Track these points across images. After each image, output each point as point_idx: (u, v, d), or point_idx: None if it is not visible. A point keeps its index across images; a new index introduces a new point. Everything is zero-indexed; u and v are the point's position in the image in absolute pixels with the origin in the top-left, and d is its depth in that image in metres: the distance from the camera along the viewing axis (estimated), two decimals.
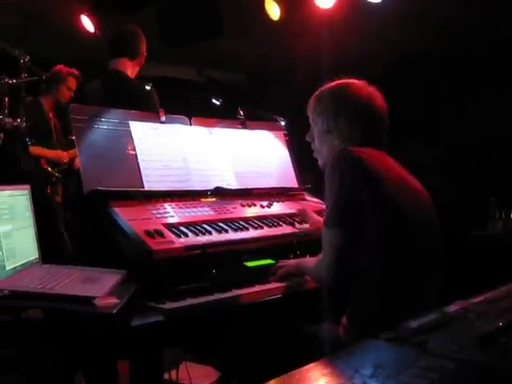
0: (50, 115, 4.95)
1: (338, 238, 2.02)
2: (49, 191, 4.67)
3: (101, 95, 3.40)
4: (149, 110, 2.77)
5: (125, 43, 3.61)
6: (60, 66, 4.97)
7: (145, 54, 3.69)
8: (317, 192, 2.96)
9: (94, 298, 1.69)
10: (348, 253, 2.02)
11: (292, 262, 2.35)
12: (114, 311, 1.65)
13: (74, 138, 2.36)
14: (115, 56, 3.59)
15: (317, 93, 2.31)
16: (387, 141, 2.25)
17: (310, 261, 2.25)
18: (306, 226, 2.60)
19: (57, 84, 4.92)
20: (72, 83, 4.97)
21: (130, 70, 3.60)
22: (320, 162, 2.34)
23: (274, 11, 4.95)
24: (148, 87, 3.44)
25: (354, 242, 2.00)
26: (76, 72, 4.99)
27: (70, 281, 1.87)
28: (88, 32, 5.36)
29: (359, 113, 2.19)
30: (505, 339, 1.12)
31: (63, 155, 4.73)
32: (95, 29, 5.32)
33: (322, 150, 2.30)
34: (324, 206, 2.51)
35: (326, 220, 2.08)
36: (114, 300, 1.72)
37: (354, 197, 1.99)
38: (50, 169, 4.68)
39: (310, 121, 2.34)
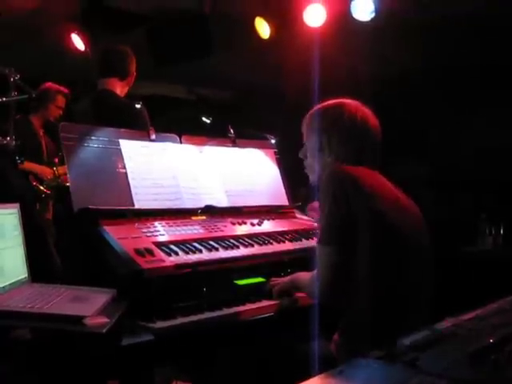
0: (41, 133, 4.93)
1: (332, 255, 2.03)
2: (38, 208, 4.65)
3: (90, 114, 3.40)
4: (139, 128, 2.77)
5: (114, 63, 3.62)
6: (49, 84, 4.95)
7: (134, 74, 3.70)
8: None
9: (83, 317, 1.68)
10: (342, 270, 2.03)
11: (286, 278, 2.34)
12: (104, 330, 1.63)
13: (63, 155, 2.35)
14: (105, 76, 3.60)
15: (311, 111, 2.33)
16: (380, 160, 2.27)
17: (304, 275, 2.25)
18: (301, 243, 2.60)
19: (46, 102, 4.91)
20: (61, 101, 4.95)
21: (120, 89, 3.61)
22: (311, 178, 2.36)
23: (263, 30, 4.99)
24: (138, 106, 3.44)
25: (347, 260, 2.01)
26: (65, 90, 4.98)
27: (60, 300, 1.85)
28: (78, 50, 5.37)
29: (353, 133, 2.21)
30: (496, 356, 1.12)
31: (47, 171, 4.70)
32: (86, 47, 5.33)
33: (314, 167, 2.31)
34: (315, 224, 2.52)
35: (321, 238, 2.09)
36: (103, 319, 1.71)
37: (347, 215, 2.00)
38: (39, 185, 4.66)
39: (304, 138, 2.36)
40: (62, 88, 4.98)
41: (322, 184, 2.11)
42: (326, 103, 2.31)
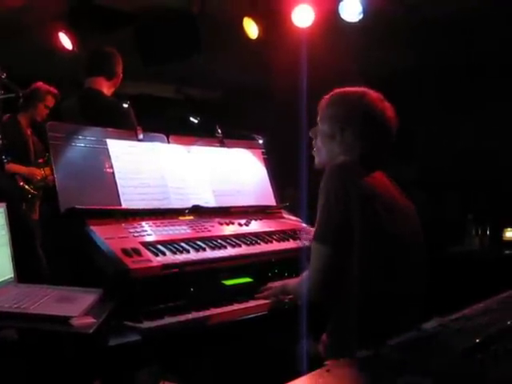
0: (28, 133, 4.91)
1: (326, 253, 2.02)
2: (24, 208, 4.62)
3: (77, 112, 3.39)
4: (126, 127, 2.76)
5: (102, 63, 3.63)
6: (39, 84, 4.93)
7: (121, 75, 3.71)
8: (296, 209, 2.97)
9: (70, 317, 1.67)
10: (335, 269, 2.02)
11: (277, 283, 2.33)
12: (91, 331, 1.63)
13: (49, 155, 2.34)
14: (92, 75, 3.61)
15: (331, 94, 2.27)
16: (387, 159, 2.24)
17: (294, 280, 2.25)
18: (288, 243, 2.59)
19: (35, 101, 4.88)
20: (50, 101, 4.93)
21: (106, 89, 3.61)
22: (316, 161, 2.31)
23: (252, 30, 4.98)
24: (125, 105, 3.44)
25: (341, 259, 2.00)
26: (54, 90, 4.95)
27: (46, 300, 1.84)
28: (66, 49, 5.35)
29: (368, 127, 2.16)
30: (482, 355, 1.13)
31: (36, 172, 4.68)
32: (73, 46, 5.30)
33: (321, 152, 2.28)
34: (303, 224, 2.51)
35: (317, 234, 2.07)
36: (90, 319, 1.70)
37: (345, 215, 1.99)
38: (25, 186, 4.63)
39: (318, 119, 2.29)
40: (51, 88, 4.95)
41: (325, 179, 2.07)
42: (347, 89, 2.25)
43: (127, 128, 2.74)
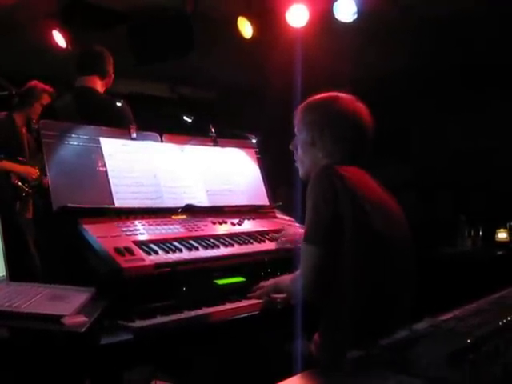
0: (23, 131, 4.88)
1: (317, 254, 2.02)
2: (19, 206, 4.61)
3: (73, 110, 3.38)
4: (123, 124, 2.76)
5: (94, 62, 3.66)
6: (35, 82, 4.91)
7: (112, 75, 3.72)
8: (289, 209, 2.97)
9: (62, 316, 1.66)
10: (325, 270, 2.02)
11: (270, 281, 2.33)
12: (83, 330, 1.62)
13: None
14: (84, 74, 3.61)
15: (305, 103, 2.29)
16: (369, 158, 2.26)
17: (287, 278, 2.24)
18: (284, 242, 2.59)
19: (31, 100, 4.86)
20: (46, 100, 4.90)
21: (100, 88, 3.62)
22: (301, 172, 2.33)
23: (246, 29, 4.98)
24: (119, 103, 3.44)
25: (331, 260, 2.00)
26: (50, 89, 4.93)
27: (38, 299, 1.84)
28: (59, 47, 5.33)
29: (345, 128, 2.19)
30: (473, 356, 1.13)
31: (32, 171, 4.67)
32: (67, 44, 5.29)
33: (305, 161, 2.29)
34: (296, 224, 2.51)
35: (307, 236, 2.07)
36: (82, 318, 1.70)
37: (334, 215, 1.99)
38: (20, 184, 4.62)
39: (295, 130, 2.32)
40: (47, 87, 4.94)
41: (312, 181, 2.09)
42: (320, 96, 2.28)
43: (124, 125, 2.73)
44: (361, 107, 2.25)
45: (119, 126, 2.69)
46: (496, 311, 1.51)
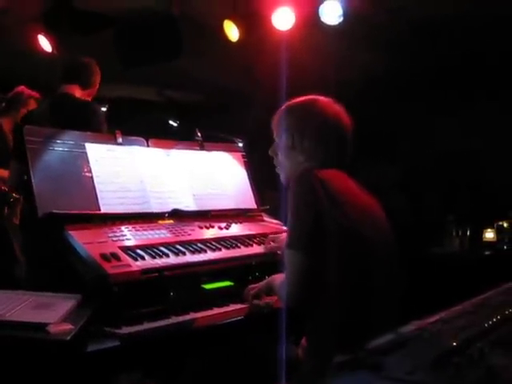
0: (10, 137, 4.85)
1: (301, 259, 2.01)
2: (7, 212, 4.57)
3: (46, 116, 3.42)
4: (95, 126, 2.77)
5: (78, 72, 3.71)
6: (22, 88, 4.88)
7: (97, 85, 3.75)
8: (277, 212, 2.97)
9: (47, 324, 1.65)
10: (310, 275, 2.01)
11: (263, 282, 2.32)
12: (68, 337, 1.61)
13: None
14: (67, 82, 3.70)
15: (283, 107, 2.29)
16: (350, 160, 2.26)
17: (279, 278, 2.21)
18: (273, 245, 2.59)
19: (17, 106, 4.83)
20: (32, 106, 4.86)
21: (79, 95, 3.65)
22: (282, 178, 2.33)
23: (232, 32, 4.98)
24: (104, 109, 3.47)
25: (315, 265, 2.00)
26: (37, 95, 4.91)
27: (23, 307, 1.82)
28: (45, 52, 5.31)
29: (324, 130, 2.19)
30: (457, 359, 1.13)
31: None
32: (52, 49, 5.27)
33: (285, 166, 2.29)
34: (284, 228, 2.50)
35: (289, 242, 2.06)
36: (68, 326, 1.69)
37: (317, 220, 1.99)
38: (7, 189, 4.58)
39: (275, 135, 2.32)
40: (33, 93, 4.91)
41: (293, 186, 2.08)
42: (297, 100, 2.28)
43: (95, 126, 2.75)
44: (339, 109, 2.25)
45: (91, 128, 2.70)
46: (481, 313, 1.51)
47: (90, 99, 3.78)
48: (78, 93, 3.67)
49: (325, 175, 2.07)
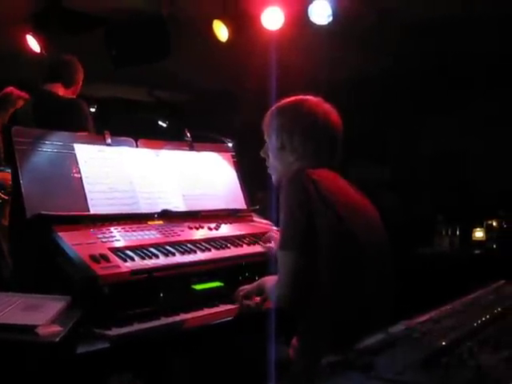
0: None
1: (293, 260, 2.01)
2: None
3: (30, 116, 3.43)
4: (78, 122, 2.76)
5: (61, 70, 3.73)
6: (11, 88, 4.84)
7: (80, 83, 3.76)
8: (267, 212, 2.97)
9: (35, 326, 1.64)
10: (302, 275, 2.01)
11: (254, 283, 2.31)
12: (57, 339, 1.60)
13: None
14: (49, 81, 3.75)
15: (272, 108, 2.29)
16: (340, 159, 2.26)
17: (270, 279, 2.22)
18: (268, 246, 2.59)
19: (6, 106, 4.79)
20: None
21: (63, 94, 3.66)
22: (274, 179, 2.33)
23: (221, 32, 4.98)
24: (77, 102, 3.48)
25: (308, 265, 2.00)
26: (26, 95, 4.88)
27: (12, 309, 1.81)
28: (34, 52, 5.29)
29: (314, 130, 2.19)
30: (447, 359, 1.13)
31: (8, 177, 4.60)
32: (41, 49, 5.25)
33: (277, 167, 2.29)
34: (274, 228, 2.50)
35: (282, 242, 2.06)
36: (56, 328, 1.68)
37: (310, 219, 1.99)
38: None
39: (265, 136, 2.32)
40: (22, 93, 4.88)
41: (285, 187, 2.08)
42: (286, 100, 2.28)
43: (79, 122, 2.75)
44: (329, 108, 2.25)
45: (76, 125, 2.70)
46: (471, 312, 1.52)
47: (74, 97, 3.77)
48: (61, 91, 3.68)
49: (317, 175, 2.07)
